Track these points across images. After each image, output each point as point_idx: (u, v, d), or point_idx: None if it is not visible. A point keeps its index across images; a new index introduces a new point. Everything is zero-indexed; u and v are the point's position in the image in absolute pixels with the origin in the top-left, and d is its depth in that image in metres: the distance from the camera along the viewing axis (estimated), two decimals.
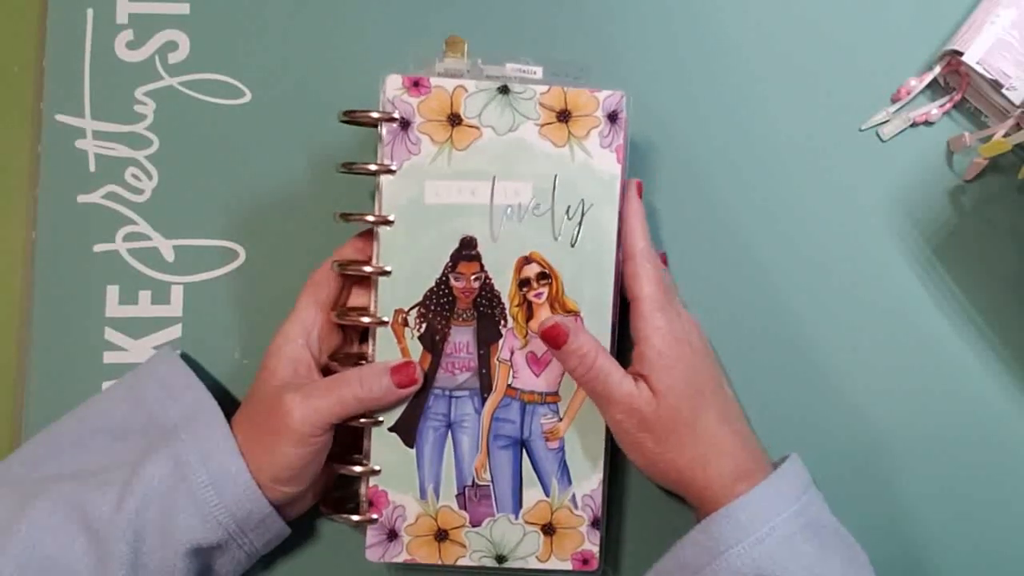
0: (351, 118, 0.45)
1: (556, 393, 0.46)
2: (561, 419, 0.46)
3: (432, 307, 0.45)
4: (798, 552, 0.40)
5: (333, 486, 0.48)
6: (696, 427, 0.43)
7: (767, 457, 0.45)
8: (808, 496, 0.43)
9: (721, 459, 0.43)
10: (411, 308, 0.45)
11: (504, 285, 0.45)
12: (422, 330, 0.45)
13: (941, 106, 0.52)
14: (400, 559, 0.45)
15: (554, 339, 0.43)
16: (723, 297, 0.51)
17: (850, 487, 0.50)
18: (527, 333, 0.45)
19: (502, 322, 0.45)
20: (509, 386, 0.46)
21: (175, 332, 0.50)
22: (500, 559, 0.46)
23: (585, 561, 0.46)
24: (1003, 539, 0.49)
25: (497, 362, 0.46)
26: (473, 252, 0.45)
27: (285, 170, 0.51)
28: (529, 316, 0.45)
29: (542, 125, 0.45)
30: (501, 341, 0.45)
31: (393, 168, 0.45)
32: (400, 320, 0.45)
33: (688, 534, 0.42)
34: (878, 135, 0.52)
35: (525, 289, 0.45)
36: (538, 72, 0.46)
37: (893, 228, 0.51)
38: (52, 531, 0.40)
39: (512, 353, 0.46)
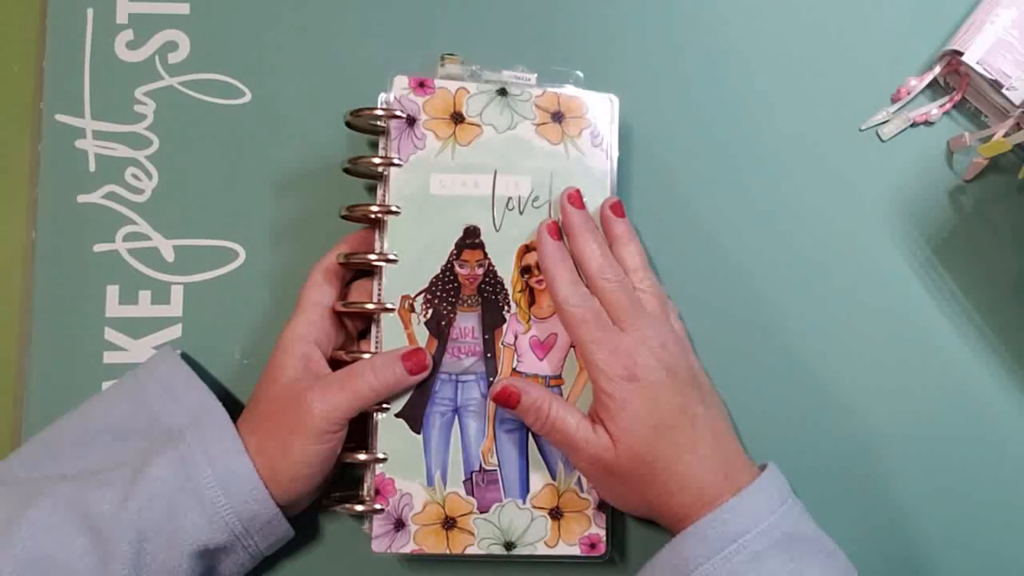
0: (358, 117, 0.47)
1: (560, 376, 0.47)
2: None
3: (438, 293, 0.47)
4: (768, 568, 0.40)
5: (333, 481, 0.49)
6: (656, 465, 0.43)
7: (748, 466, 0.45)
8: (785, 508, 0.43)
9: (686, 488, 0.43)
10: (417, 294, 0.47)
11: (507, 272, 0.47)
12: (428, 316, 0.47)
13: (941, 106, 0.52)
14: (407, 549, 0.46)
15: (506, 400, 0.44)
16: (722, 297, 0.51)
17: (848, 488, 0.50)
18: (530, 318, 0.47)
19: (505, 308, 0.47)
20: (514, 370, 0.47)
21: (175, 332, 0.51)
22: (508, 546, 0.47)
23: (592, 545, 0.47)
24: (1003, 540, 0.50)
25: (502, 346, 0.47)
26: (477, 240, 0.47)
27: (285, 170, 0.52)
28: (532, 302, 0.47)
29: (538, 125, 0.48)
30: (505, 326, 0.47)
31: (399, 162, 0.47)
32: (407, 306, 0.47)
33: (659, 554, 0.43)
34: (878, 135, 0.53)
35: (527, 276, 0.47)
36: (532, 79, 0.49)
37: (893, 228, 0.52)
38: (52, 530, 0.41)
39: (516, 337, 0.47)
